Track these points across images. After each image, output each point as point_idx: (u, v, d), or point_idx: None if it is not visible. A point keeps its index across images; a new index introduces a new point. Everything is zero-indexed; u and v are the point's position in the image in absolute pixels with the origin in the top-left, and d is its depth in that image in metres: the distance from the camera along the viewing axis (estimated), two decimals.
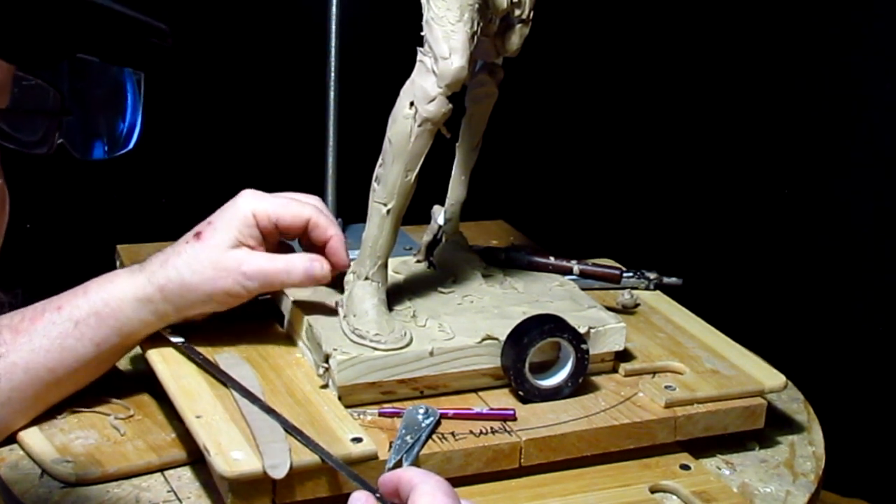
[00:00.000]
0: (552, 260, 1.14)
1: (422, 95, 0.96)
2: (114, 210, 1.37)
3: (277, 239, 1.03)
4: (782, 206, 1.65)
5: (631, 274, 1.20)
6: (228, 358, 1.01)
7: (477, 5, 0.95)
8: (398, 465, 0.89)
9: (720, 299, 1.22)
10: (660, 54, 1.61)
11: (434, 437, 0.93)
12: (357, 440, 0.90)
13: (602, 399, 1.00)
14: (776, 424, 1.07)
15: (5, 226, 0.57)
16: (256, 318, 1.07)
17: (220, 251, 0.98)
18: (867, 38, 1.55)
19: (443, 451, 0.92)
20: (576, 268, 1.13)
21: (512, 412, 0.97)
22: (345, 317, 0.99)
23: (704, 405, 1.00)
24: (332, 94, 1.31)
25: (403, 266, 1.13)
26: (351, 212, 1.33)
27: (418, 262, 1.14)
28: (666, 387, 1.01)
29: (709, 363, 1.05)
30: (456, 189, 1.12)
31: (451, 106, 0.96)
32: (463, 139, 1.10)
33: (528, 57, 1.06)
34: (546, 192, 1.62)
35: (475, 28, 0.95)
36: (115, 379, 1.04)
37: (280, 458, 0.86)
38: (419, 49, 0.96)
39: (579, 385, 1.00)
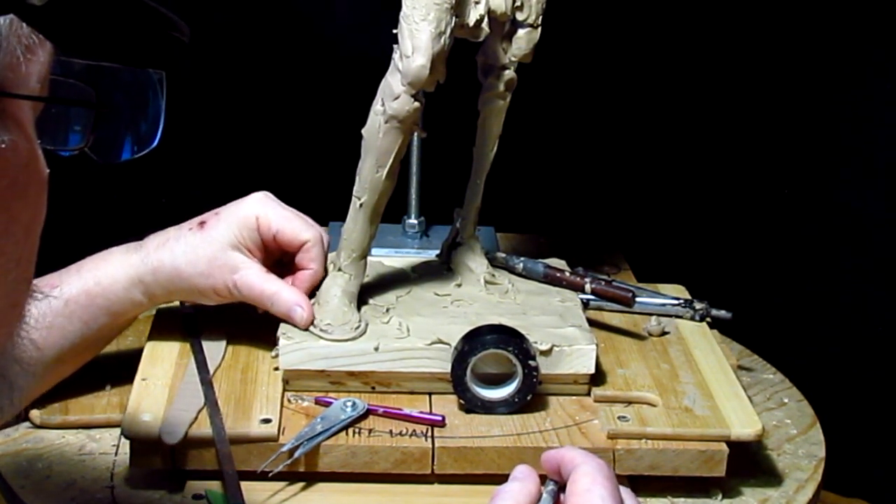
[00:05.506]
0: (566, 275, 1.10)
1: (388, 92, 0.96)
2: (116, 211, 1.43)
3: (278, 255, 1.02)
4: (782, 206, 1.60)
5: (679, 302, 1.14)
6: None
7: (446, 5, 0.94)
8: (294, 450, 0.90)
9: (719, 299, 1.15)
10: (662, 59, 1.55)
11: (350, 430, 0.93)
12: (266, 421, 0.93)
13: (549, 420, 0.96)
14: (761, 477, 0.98)
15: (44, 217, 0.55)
16: None
17: (219, 248, 0.97)
18: (868, 37, 1.50)
19: (348, 445, 0.92)
20: (588, 286, 1.08)
21: (440, 418, 0.95)
22: (314, 304, 1.02)
23: (652, 442, 0.93)
24: None
25: (423, 266, 1.13)
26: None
27: (442, 263, 1.14)
28: (619, 417, 0.95)
29: (688, 400, 0.98)
30: (470, 193, 1.10)
31: (417, 104, 0.96)
32: (477, 144, 1.08)
33: (539, 64, 1.04)
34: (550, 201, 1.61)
35: (442, 28, 0.94)
36: None
37: (177, 427, 0.90)
38: (394, 46, 0.97)
39: (529, 402, 0.96)
